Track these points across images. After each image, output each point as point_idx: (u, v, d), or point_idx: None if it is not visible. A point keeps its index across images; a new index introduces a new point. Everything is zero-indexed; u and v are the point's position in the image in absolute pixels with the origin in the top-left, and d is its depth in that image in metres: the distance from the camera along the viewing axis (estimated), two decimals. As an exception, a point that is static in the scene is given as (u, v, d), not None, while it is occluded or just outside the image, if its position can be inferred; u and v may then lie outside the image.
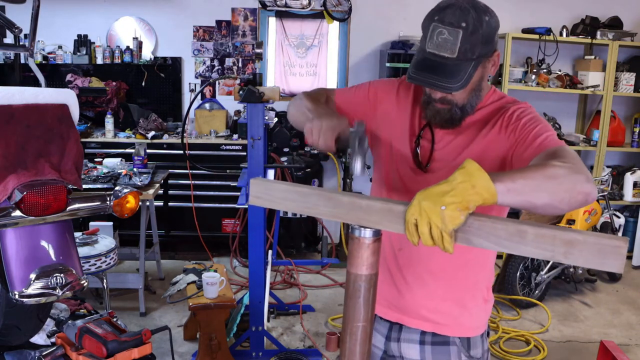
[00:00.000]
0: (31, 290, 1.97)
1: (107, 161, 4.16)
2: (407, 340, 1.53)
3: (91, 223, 4.00)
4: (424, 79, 1.30)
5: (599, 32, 5.15)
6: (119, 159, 4.21)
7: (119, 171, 4.00)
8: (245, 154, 4.57)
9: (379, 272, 1.42)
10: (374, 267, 1.16)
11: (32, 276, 1.97)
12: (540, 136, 1.31)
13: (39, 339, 2.63)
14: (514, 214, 5.26)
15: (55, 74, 5.03)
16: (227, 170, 4.67)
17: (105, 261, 3.33)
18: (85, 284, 2.12)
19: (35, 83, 3.01)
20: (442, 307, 1.50)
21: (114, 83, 5.01)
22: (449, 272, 1.49)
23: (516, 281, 4.20)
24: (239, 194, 3.56)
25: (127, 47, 5.14)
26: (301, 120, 1.44)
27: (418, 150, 1.47)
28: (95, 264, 3.27)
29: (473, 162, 1.04)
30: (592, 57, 5.22)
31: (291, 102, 1.57)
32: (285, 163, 4.81)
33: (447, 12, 1.29)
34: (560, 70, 5.27)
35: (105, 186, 3.68)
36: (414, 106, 1.53)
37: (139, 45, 5.18)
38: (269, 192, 1.22)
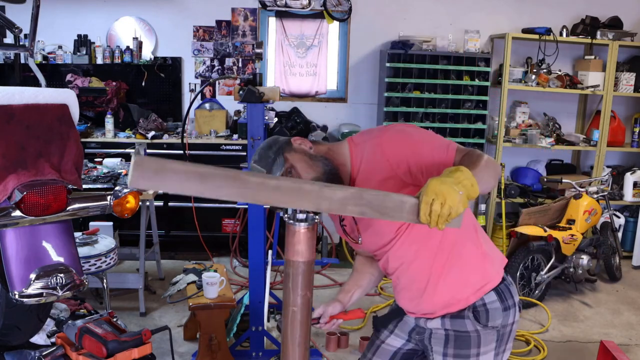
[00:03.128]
0: (31, 290, 1.97)
1: (107, 161, 4.16)
2: (431, 320, 1.74)
3: (91, 223, 4.00)
4: None
5: (599, 32, 5.15)
6: (119, 159, 4.21)
7: (119, 171, 4.00)
8: (245, 154, 4.57)
9: (396, 287, 1.77)
10: (302, 255, 1.26)
11: (32, 276, 1.97)
12: (433, 157, 1.53)
13: (39, 339, 2.63)
14: (514, 213, 5.26)
15: (55, 74, 5.03)
16: (227, 170, 4.66)
17: (105, 261, 3.33)
18: (86, 284, 2.12)
19: (35, 83, 3.01)
20: (453, 295, 1.67)
21: (114, 83, 5.01)
22: (439, 264, 1.65)
23: (516, 281, 4.20)
24: (239, 194, 3.55)
25: (127, 47, 5.14)
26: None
27: (347, 235, 1.71)
28: (95, 264, 3.27)
29: (465, 168, 1.26)
30: (592, 57, 5.22)
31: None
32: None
33: (257, 158, 1.59)
34: (560, 70, 5.27)
35: (105, 186, 3.68)
36: None
37: (139, 45, 5.18)
38: (160, 174, 1.08)
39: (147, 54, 5.24)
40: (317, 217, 1.29)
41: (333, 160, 1.63)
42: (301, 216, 1.26)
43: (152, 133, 4.78)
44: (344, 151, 1.66)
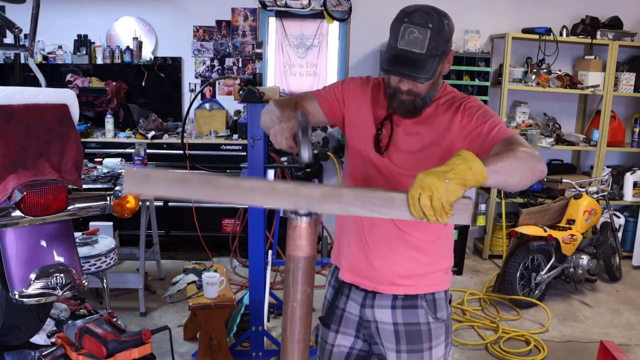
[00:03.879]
0: (31, 290, 1.97)
1: (107, 161, 4.16)
2: (380, 307, 1.70)
3: (91, 223, 4.00)
4: (399, 70, 1.51)
5: (599, 32, 5.15)
6: (119, 159, 4.22)
7: (119, 171, 4.00)
8: (245, 154, 4.56)
9: (354, 246, 1.73)
10: (302, 250, 1.25)
11: (32, 276, 1.97)
12: (494, 129, 1.53)
13: (39, 339, 2.63)
14: (514, 214, 5.26)
15: (55, 74, 5.03)
16: (227, 170, 4.67)
17: (105, 261, 3.33)
18: (86, 284, 2.12)
19: (35, 83, 3.01)
20: (411, 271, 1.68)
21: (114, 83, 5.01)
22: (416, 240, 1.67)
23: (516, 281, 4.20)
24: (239, 194, 3.55)
25: (127, 47, 5.14)
26: (268, 126, 1.57)
27: (380, 137, 1.67)
28: (95, 264, 3.27)
29: (468, 151, 1.21)
30: (592, 57, 5.22)
31: (263, 110, 1.71)
32: (285, 163, 4.81)
33: (415, 15, 1.50)
34: (560, 70, 5.27)
35: (105, 186, 3.68)
36: (377, 100, 1.73)
37: (139, 45, 5.18)
38: (148, 183, 1.22)
39: (147, 54, 5.24)
40: (318, 215, 1.28)
41: (435, 93, 1.64)
42: (302, 210, 1.25)
43: (152, 133, 4.78)
44: (439, 89, 1.68)
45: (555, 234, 4.26)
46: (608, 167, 5.37)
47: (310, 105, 1.75)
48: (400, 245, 1.67)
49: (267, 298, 3.39)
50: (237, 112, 5.20)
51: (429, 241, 1.69)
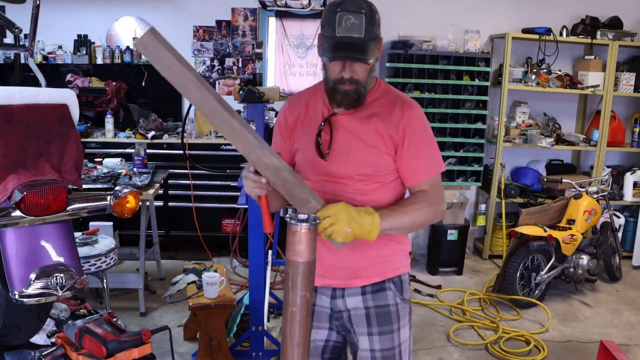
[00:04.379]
0: (31, 290, 1.97)
1: (107, 161, 4.16)
2: (350, 295, 1.77)
3: (91, 223, 4.00)
4: (345, 55, 1.58)
5: (599, 32, 5.15)
6: (119, 159, 4.21)
7: (119, 171, 4.00)
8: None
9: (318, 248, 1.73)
10: (302, 255, 1.30)
11: (32, 276, 1.97)
12: (420, 159, 1.69)
13: (39, 339, 2.63)
14: (514, 214, 5.26)
15: (55, 74, 5.03)
16: (227, 170, 4.67)
17: (105, 261, 3.33)
18: (86, 284, 2.11)
19: (35, 83, 3.00)
20: (374, 263, 1.77)
21: (114, 83, 5.01)
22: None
23: (516, 281, 4.20)
24: (239, 194, 3.56)
25: (127, 47, 5.14)
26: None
27: (319, 141, 1.73)
28: (95, 264, 3.27)
29: (378, 216, 1.53)
30: (592, 57, 5.22)
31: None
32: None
33: (346, 3, 1.58)
34: (560, 70, 5.27)
35: (105, 186, 3.68)
36: (315, 104, 1.78)
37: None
38: (157, 51, 1.34)
39: (147, 54, 5.23)
40: (318, 219, 1.31)
41: (371, 82, 1.72)
42: (302, 216, 1.26)
43: (152, 133, 4.78)
44: (373, 80, 1.75)
45: (555, 234, 4.26)
46: (608, 167, 5.37)
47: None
48: (359, 243, 1.66)
49: (267, 298, 3.39)
50: (237, 112, 5.19)
51: None
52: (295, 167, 1.82)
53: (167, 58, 1.32)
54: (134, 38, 5.16)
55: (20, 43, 3.80)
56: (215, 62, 5.34)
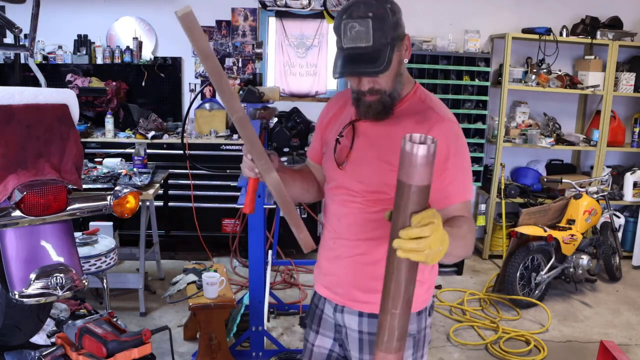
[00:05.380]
0: (31, 290, 1.97)
1: (107, 161, 4.16)
2: (349, 312, 1.66)
3: (91, 223, 4.00)
4: (350, 70, 1.43)
5: (599, 32, 5.15)
6: (119, 159, 4.21)
7: (119, 171, 4.00)
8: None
9: (323, 261, 1.71)
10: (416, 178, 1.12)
11: (32, 276, 1.97)
12: (453, 183, 1.49)
13: (39, 339, 2.63)
14: (514, 214, 5.27)
15: (55, 74, 5.03)
16: (227, 170, 4.67)
17: (105, 261, 3.33)
18: (86, 284, 2.11)
19: (35, 83, 3.01)
20: (376, 290, 1.58)
21: (114, 83, 5.01)
22: (382, 259, 1.56)
23: (516, 281, 4.20)
24: (239, 194, 3.55)
25: (127, 47, 5.14)
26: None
27: (337, 147, 1.60)
28: (95, 264, 3.27)
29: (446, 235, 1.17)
30: (592, 57, 5.22)
31: None
32: (285, 163, 4.81)
33: (353, 9, 1.42)
34: (560, 70, 5.27)
35: (105, 186, 3.68)
36: (344, 109, 1.66)
37: (139, 45, 5.18)
38: (194, 29, 1.33)
39: (147, 54, 5.24)
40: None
41: (402, 86, 1.56)
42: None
43: (152, 133, 4.78)
44: (408, 85, 1.60)
45: (555, 234, 4.26)
46: (608, 167, 5.38)
47: (315, 171, 1.80)
48: (364, 263, 1.60)
49: (267, 298, 3.39)
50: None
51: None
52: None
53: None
54: (134, 38, 5.16)
55: (20, 43, 3.81)
56: (215, 62, 5.34)
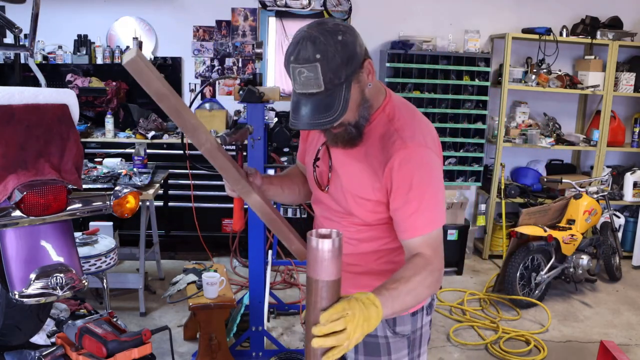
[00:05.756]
0: (31, 290, 1.97)
1: (107, 161, 4.16)
2: None
3: (91, 223, 4.00)
4: (302, 122, 1.36)
5: (599, 32, 5.15)
6: (119, 159, 4.21)
7: (119, 171, 4.00)
8: (245, 153, 4.55)
9: None
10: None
11: (32, 276, 1.97)
12: (414, 216, 1.40)
13: (39, 339, 2.63)
14: (514, 214, 5.27)
15: (55, 74, 5.02)
16: (227, 170, 4.66)
17: (105, 261, 3.33)
18: (85, 284, 2.12)
19: (35, 83, 3.01)
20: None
21: (114, 83, 5.00)
22: (376, 267, 1.57)
23: (516, 281, 4.20)
24: (239, 194, 3.56)
25: (127, 47, 5.13)
26: None
27: (315, 173, 1.59)
28: (95, 264, 3.27)
29: (380, 307, 1.18)
30: (592, 57, 5.22)
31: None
32: (285, 163, 4.81)
33: (300, 50, 1.30)
34: (560, 70, 5.27)
35: (105, 186, 3.68)
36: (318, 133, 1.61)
37: (139, 45, 5.17)
38: (142, 73, 1.21)
39: (147, 54, 5.24)
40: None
41: (369, 110, 1.45)
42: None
43: (152, 133, 4.78)
44: (376, 103, 1.48)
45: (555, 234, 4.26)
46: (608, 167, 5.38)
47: (304, 170, 1.75)
48: (362, 272, 1.58)
49: (267, 298, 3.39)
50: (237, 112, 5.19)
51: (385, 262, 1.57)
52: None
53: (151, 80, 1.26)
54: (134, 38, 5.16)
55: (20, 43, 3.81)
56: (215, 62, 5.34)
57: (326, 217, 1.62)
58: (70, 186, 2.07)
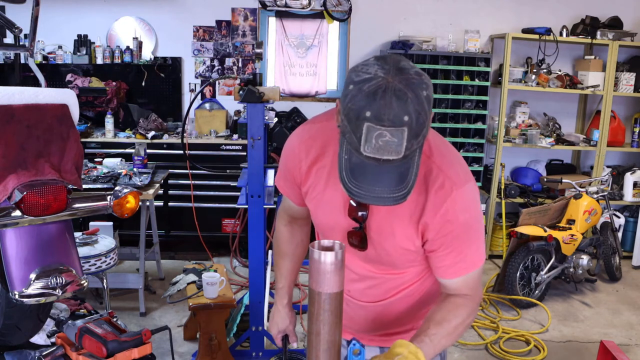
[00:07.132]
0: (31, 290, 1.97)
1: (107, 161, 4.16)
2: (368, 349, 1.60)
3: (91, 223, 4.00)
4: (375, 195, 1.10)
5: (599, 32, 5.15)
6: (119, 159, 4.21)
7: (119, 171, 4.00)
8: (245, 154, 4.56)
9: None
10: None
11: (32, 276, 1.97)
12: (458, 257, 1.32)
13: (39, 339, 2.63)
14: (514, 214, 5.26)
15: (55, 74, 5.03)
16: (227, 170, 4.67)
17: (105, 261, 3.33)
18: (85, 284, 2.11)
19: (35, 83, 3.00)
20: (395, 335, 1.55)
21: (114, 83, 5.01)
22: (403, 306, 1.53)
23: (516, 281, 4.20)
24: (239, 194, 3.55)
25: (127, 47, 5.14)
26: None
27: (361, 226, 1.34)
28: (95, 264, 3.27)
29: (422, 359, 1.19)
30: (592, 57, 5.22)
31: (275, 231, 1.74)
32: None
33: (382, 105, 1.02)
34: (560, 70, 5.27)
35: (105, 186, 3.68)
36: (327, 153, 1.36)
37: (139, 45, 5.18)
38: None
39: (147, 54, 5.24)
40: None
41: None
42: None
43: (152, 133, 4.78)
44: None
45: (555, 234, 4.26)
46: (608, 167, 5.38)
47: (296, 212, 1.61)
48: (385, 306, 1.52)
49: (267, 298, 3.39)
50: (237, 112, 5.20)
51: (413, 301, 1.52)
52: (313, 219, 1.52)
53: None
54: (134, 38, 5.16)
55: (20, 43, 3.80)
56: (215, 62, 5.34)
57: (365, 278, 1.48)
58: (70, 186, 2.07)
